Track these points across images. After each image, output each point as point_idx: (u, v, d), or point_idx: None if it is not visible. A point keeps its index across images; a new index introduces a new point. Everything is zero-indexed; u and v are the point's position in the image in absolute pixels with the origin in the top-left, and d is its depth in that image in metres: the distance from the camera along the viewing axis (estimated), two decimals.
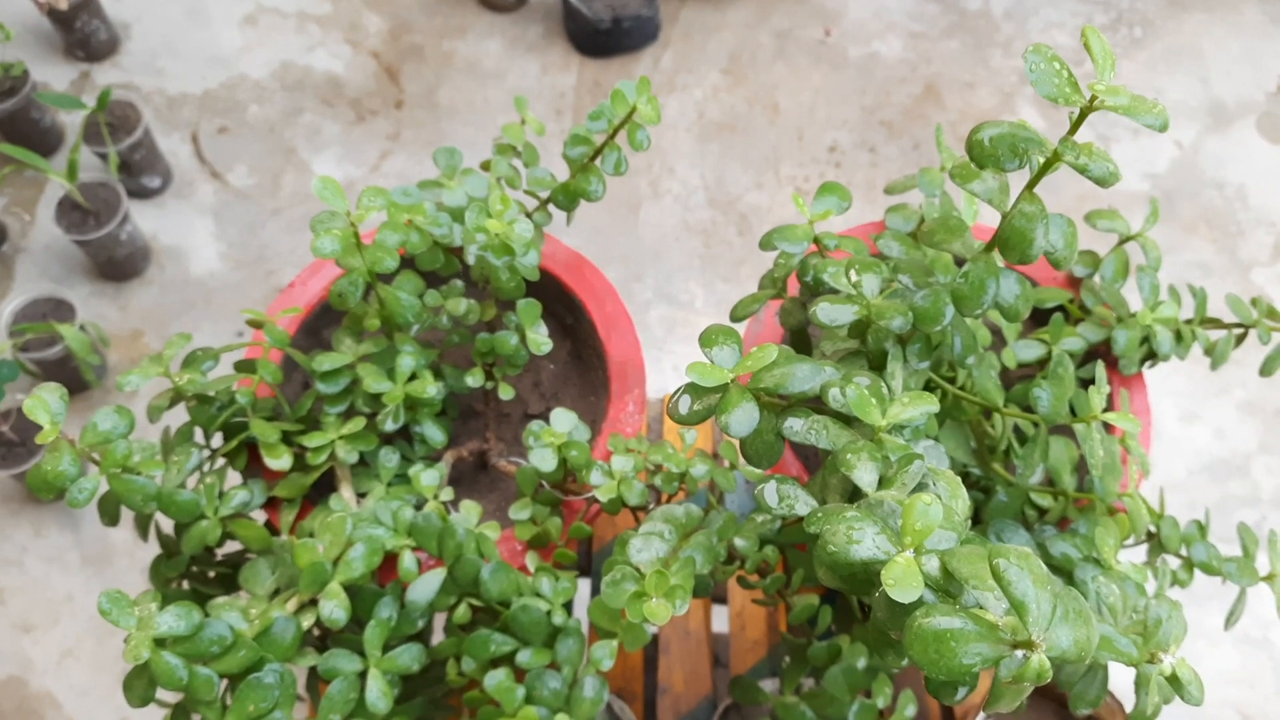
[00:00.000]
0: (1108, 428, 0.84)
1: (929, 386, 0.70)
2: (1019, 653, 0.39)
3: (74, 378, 1.73)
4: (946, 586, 0.44)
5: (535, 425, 0.77)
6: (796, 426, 0.58)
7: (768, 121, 2.08)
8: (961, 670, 0.39)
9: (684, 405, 0.60)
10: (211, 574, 0.85)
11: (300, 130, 2.06)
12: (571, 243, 1.92)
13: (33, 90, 1.89)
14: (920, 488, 0.52)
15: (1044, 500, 0.77)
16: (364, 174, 2.02)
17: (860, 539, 0.45)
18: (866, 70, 2.14)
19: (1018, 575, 0.38)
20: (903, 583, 0.42)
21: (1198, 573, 0.80)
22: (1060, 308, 0.88)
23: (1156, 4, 2.21)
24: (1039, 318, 0.91)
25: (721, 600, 1.12)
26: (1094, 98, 0.45)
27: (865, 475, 0.52)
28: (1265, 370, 0.86)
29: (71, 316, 1.67)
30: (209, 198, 1.99)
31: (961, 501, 0.50)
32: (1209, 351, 0.87)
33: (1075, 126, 0.48)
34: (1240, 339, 0.88)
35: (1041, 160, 0.50)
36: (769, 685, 0.97)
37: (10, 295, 1.75)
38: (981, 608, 0.42)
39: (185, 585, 0.84)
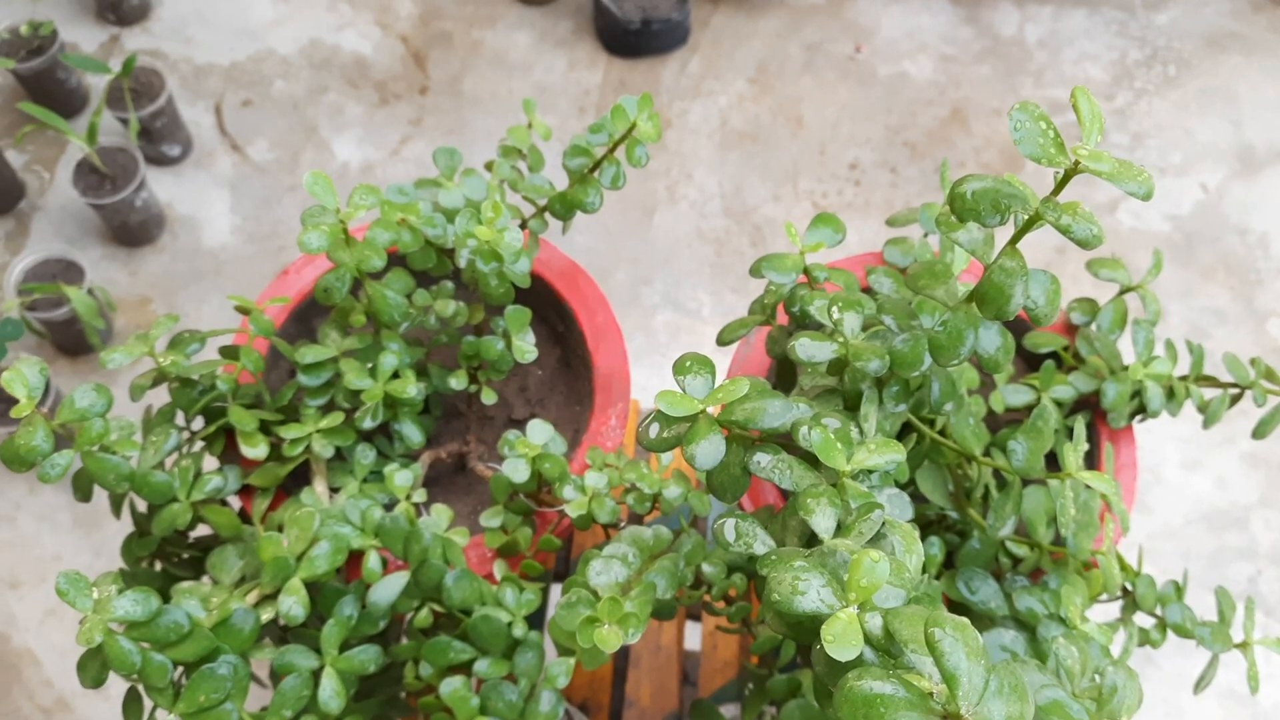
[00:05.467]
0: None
1: (907, 428, 0.69)
2: None
3: (79, 340, 1.74)
4: (888, 646, 0.43)
5: (511, 434, 0.77)
6: (764, 462, 0.57)
7: (790, 134, 2.07)
8: None
9: (653, 431, 0.59)
10: (184, 555, 0.85)
11: (323, 109, 2.07)
12: (583, 242, 1.93)
13: (60, 51, 1.90)
14: (878, 538, 0.51)
15: (1019, 549, 0.76)
16: (384, 157, 2.02)
17: (805, 590, 0.44)
18: (894, 89, 2.12)
19: (951, 646, 0.38)
20: (841, 640, 0.42)
21: None
22: (1054, 354, 0.87)
23: (1194, 43, 2.19)
24: (1033, 361, 0.90)
25: (696, 618, 1.11)
26: (1077, 161, 0.44)
27: (823, 521, 0.51)
28: (1258, 433, 0.85)
29: (81, 279, 1.68)
30: (227, 170, 2.00)
31: (915, 557, 0.49)
32: (1202, 409, 0.85)
33: (1059, 188, 0.47)
34: (1235, 399, 0.86)
35: (1025, 217, 0.49)
36: (731, 711, 0.96)
37: (24, 253, 1.75)
38: (918, 672, 0.41)
39: (156, 565, 0.84)
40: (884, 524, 0.51)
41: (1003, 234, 0.56)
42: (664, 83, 2.12)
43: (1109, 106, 2.11)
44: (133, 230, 1.84)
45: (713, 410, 0.58)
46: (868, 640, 0.43)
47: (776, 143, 2.06)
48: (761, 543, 0.54)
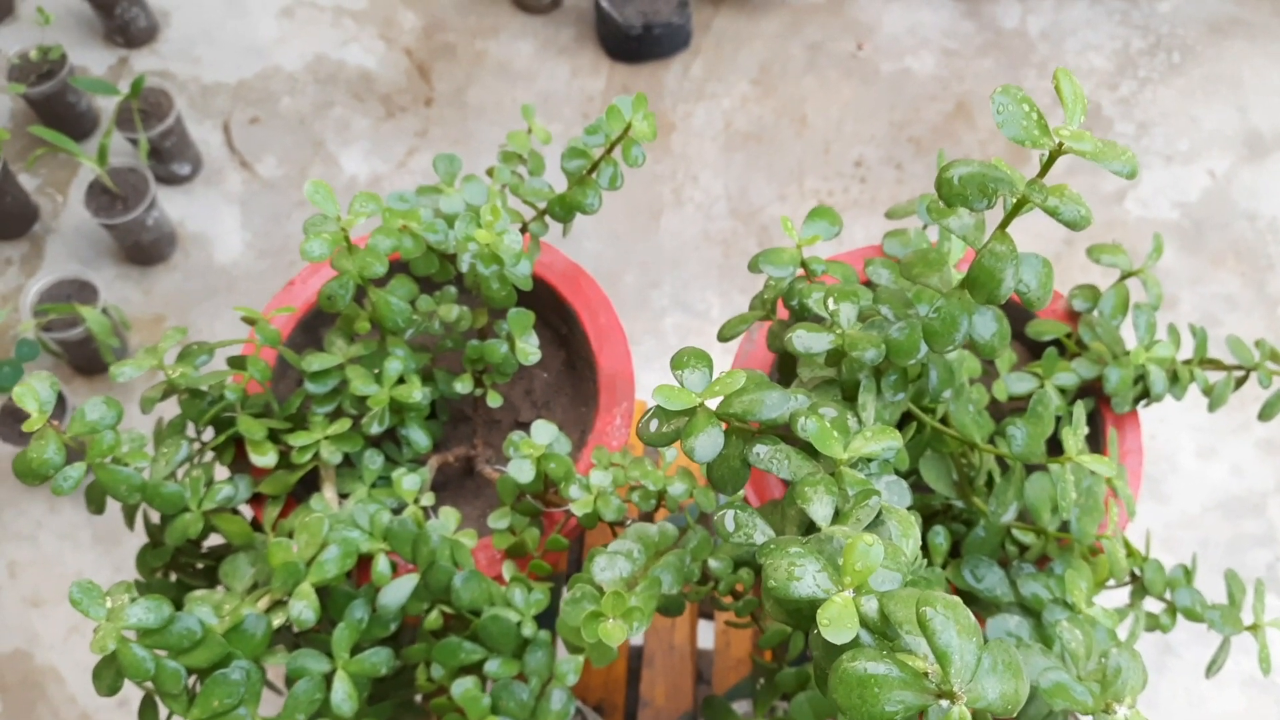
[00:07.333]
0: None
1: (908, 418, 0.69)
2: (943, 702, 0.39)
3: (95, 359, 1.76)
4: (884, 629, 0.44)
5: (515, 435, 0.77)
6: (762, 453, 0.58)
7: (794, 134, 2.07)
8: (883, 717, 0.38)
9: (653, 426, 0.60)
10: (198, 565, 0.86)
11: (330, 124, 2.08)
12: (591, 248, 1.94)
13: (70, 74, 1.92)
14: (875, 524, 0.51)
15: (1025, 537, 0.76)
16: (391, 170, 2.04)
17: (801, 575, 0.45)
18: (897, 86, 2.13)
19: (943, 625, 0.38)
20: (837, 623, 0.42)
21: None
22: (1057, 341, 0.87)
23: (1197, 30, 2.18)
24: (1036, 350, 0.90)
25: (709, 616, 1.12)
26: (1060, 142, 0.44)
27: (820, 509, 0.52)
28: (1264, 415, 0.85)
29: (95, 298, 1.70)
30: (237, 187, 2.01)
31: (912, 541, 0.49)
32: (1207, 393, 0.85)
33: (1044, 170, 0.47)
34: (1241, 381, 0.86)
35: (1013, 200, 0.50)
36: (744, 707, 0.96)
37: (39, 274, 1.78)
38: (914, 653, 0.42)
39: (171, 575, 0.85)
40: (881, 510, 0.51)
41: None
42: (667, 87, 2.13)
43: (1113, 96, 2.11)
44: (145, 249, 1.86)
45: (711, 404, 0.58)
46: (864, 623, 0.43)
47: (781, 143, 2.06)
48: (761, 532, 0.54)
